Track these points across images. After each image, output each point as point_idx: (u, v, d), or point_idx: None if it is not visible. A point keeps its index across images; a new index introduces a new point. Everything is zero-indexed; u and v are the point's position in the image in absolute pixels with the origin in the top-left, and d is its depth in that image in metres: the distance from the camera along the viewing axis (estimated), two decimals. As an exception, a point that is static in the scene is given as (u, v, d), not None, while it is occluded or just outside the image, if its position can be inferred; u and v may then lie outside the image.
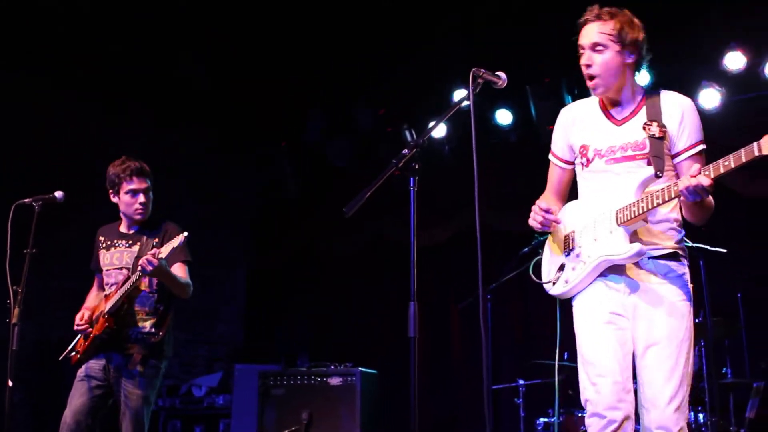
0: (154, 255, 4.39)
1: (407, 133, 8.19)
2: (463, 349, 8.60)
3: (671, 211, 3.39)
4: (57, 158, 7.78)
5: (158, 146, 9.05)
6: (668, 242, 3.36)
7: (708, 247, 6.02)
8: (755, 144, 2.94)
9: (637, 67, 3.47)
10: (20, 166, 7.49)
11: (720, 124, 7.19)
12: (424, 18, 7.55)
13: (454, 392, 8.39)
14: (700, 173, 3.04)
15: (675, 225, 3.41)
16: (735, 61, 7.05)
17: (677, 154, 3.38)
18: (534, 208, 3.49)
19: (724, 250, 6.09)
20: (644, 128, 3.35)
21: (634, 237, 3.31)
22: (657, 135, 3.32)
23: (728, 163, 2.99)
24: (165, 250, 4.42)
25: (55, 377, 5.25)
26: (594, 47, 3.38)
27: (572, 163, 3.64)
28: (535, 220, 3.49)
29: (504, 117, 8.13)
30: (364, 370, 6.85)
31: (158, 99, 8.51)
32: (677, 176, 3.36)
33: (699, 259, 6.04)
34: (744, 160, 2.97)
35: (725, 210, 7.28)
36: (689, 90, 7.35)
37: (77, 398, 4.63)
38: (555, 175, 3.72)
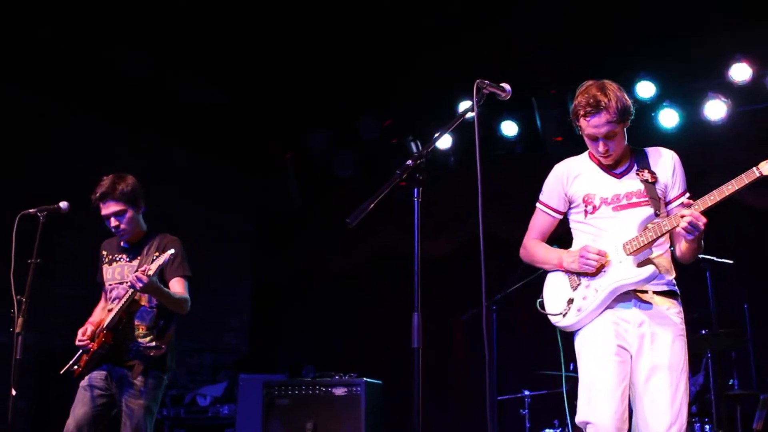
0: (143, 272, 4.38)
1: (412, 145, 8.18)
2: (468, 359, 8.57)
3: (665, 254, 3.70)
4: (60, 169, 7.79)
5: (163, 159, 9.08)
6: (665, 280, 3.66)
7: (715, 259, 6.01)
8: (755, 168, 3.32)
9: None
10: (23, 177, 7.49)
11: (726, 135, 7.19)
12: (430, 29, 7.55)
13: (459, 403, 8.36)
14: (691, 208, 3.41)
15: (669, 267, 3.71)
16: (741, 72, 7.04)
17: (670, 201, 3.74)
18: (585, 254, 3.64)
19: (731, 262, 6.07)
20: (638, 174, 3.72)
21: (642, 266, 3.59)
22: (650, 180, 3.71)
23: (714, 197, 3.40)
24: (153, 267, 4.41)
25: (58, 386, 5.23)
26: (607, 136, 3.63)
27: (562, 213, 3.92)
28: (590, 264, 3.64)
29: (509, 128, 8.10)
30: (368, 380, 6.84)
31: (161, 112, 8.52)
32: None
33: (706, 270, 6.03)
34: (746, 181, 3.36)
35: (732, 221, 7.39)
36: (695, 101, 7.35)
37: (80, 407, 4.62)
38: (545, 223, 3.97)
